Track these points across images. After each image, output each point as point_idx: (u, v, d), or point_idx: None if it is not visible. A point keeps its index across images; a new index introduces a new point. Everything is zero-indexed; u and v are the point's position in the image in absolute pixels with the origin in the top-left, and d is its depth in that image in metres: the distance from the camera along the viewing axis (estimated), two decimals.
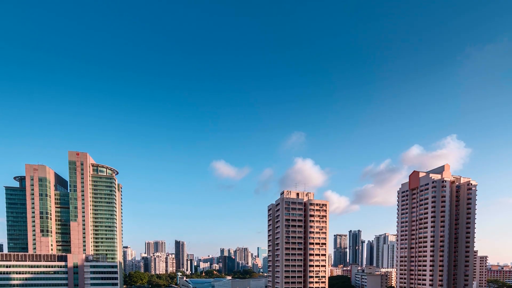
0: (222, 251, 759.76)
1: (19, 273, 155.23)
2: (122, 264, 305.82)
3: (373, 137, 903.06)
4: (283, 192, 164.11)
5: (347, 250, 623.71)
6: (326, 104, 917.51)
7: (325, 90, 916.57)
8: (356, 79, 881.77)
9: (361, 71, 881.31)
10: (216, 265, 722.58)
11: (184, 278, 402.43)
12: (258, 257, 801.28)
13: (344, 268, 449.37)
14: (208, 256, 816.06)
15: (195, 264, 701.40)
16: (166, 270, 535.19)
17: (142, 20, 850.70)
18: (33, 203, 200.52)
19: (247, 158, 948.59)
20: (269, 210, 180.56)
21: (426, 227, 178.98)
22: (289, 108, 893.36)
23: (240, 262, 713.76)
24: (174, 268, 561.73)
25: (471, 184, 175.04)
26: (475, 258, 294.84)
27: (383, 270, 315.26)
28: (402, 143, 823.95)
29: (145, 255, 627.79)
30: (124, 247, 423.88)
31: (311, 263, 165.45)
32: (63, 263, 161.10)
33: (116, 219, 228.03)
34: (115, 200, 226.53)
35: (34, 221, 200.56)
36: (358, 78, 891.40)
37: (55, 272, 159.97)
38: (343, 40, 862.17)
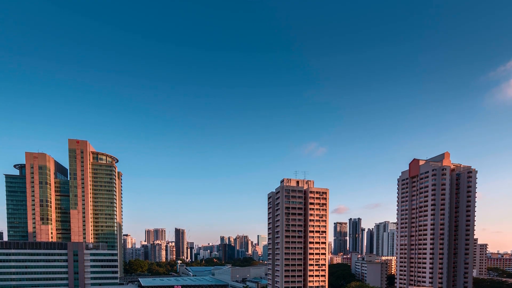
0: (222, 239, 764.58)
1: (19, 261, 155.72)
2: (122, 252, 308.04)
3: None
4: (283, 180, 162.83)
5: (347, 238, 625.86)
6: None
7: None
8: None
9: None
10: (216, 253, 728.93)
11: (184, 266, 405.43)
12: (258, 245, 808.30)
13: (344, 256, 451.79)
14: (208, 244, 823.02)
15: (195, 252, 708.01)
16: (166, 258, 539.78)
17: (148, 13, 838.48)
18: (33, 191, 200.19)
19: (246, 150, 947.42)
20: (269, 198, 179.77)
21: (426, 215, 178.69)
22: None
23: (240, 250, 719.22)
24: (174, 256, 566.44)
25: (472, 171, 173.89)
26: (475, 246, 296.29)
27: (383, 258, 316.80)
28: None
29: (145, 243, 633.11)
30: (124, 235, 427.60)
31: (311, 251, 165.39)
32: (63, 251, 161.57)
33: (116, 207, 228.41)
34: (115, 188, 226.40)
35: (34, 209, 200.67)
36: None
37: (55, 260, 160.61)
38: None
